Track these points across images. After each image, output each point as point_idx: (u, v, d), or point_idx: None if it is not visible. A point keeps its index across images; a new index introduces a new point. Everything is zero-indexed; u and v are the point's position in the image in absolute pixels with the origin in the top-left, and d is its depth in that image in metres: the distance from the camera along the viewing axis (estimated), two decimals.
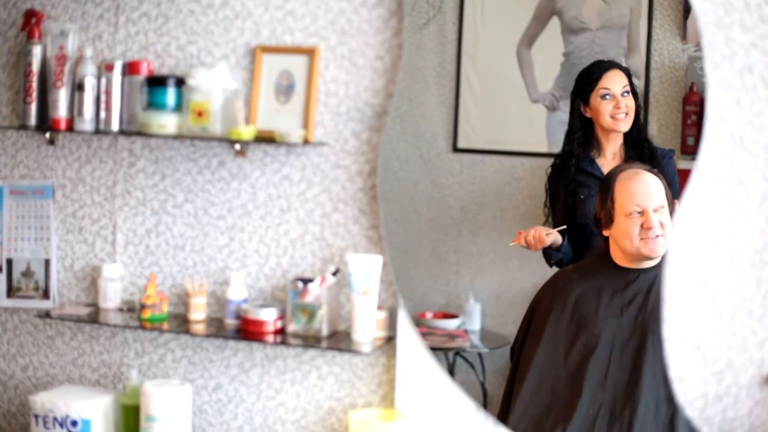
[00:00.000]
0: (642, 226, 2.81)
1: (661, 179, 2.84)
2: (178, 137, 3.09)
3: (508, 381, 3.02)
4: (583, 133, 3.05)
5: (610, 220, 2.87)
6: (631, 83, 2.99)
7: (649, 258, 2.84)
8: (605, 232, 2.89)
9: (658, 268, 2.83)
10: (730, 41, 2.66)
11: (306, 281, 3.02)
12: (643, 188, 2.83)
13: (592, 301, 2.90)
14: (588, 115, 3.03)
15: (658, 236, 2.81)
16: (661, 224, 2.80)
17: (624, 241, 2.85)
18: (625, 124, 3.00)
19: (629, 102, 2.99)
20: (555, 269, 3.08)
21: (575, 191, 3.03)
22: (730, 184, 2.68)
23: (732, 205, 2.69)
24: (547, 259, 3.08)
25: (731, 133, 2.68)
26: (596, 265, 2.96)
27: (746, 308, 2.69)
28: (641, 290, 2.86)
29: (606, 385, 2.81)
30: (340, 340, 3.02)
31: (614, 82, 2.99)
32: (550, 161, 3.13)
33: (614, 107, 2.98)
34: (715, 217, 2.70)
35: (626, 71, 3.00)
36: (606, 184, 2.90)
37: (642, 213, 2.81)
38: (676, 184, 2.90)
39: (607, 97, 2.99)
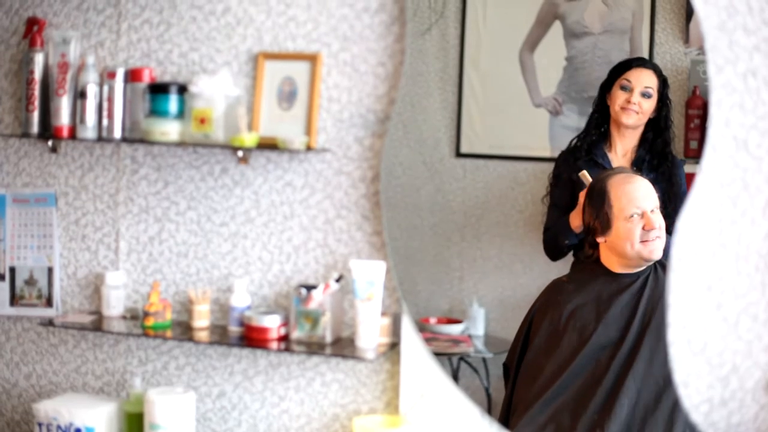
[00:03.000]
0: (644, 228, 2.82)
1: (651, 182, 2.86)
2: (180, 144, 3.09)
3: (507, 391, 3.01)
4: (598, 121, 3.04)
5: (607, 226, 2.86)
6: (663, 91, 2.97)
7: (650, 261, 2.85)
8: (599, 239, 2.89)
9: (650, 268, 2.85)
10: (733, 45, 2.65)
11: (309, 288, 3.02)
12: (640, 190, 2.84)
13: (591, 310, 2.89)
14: (608, 102, 3.03)
15: (656, 238, 2.81)
16: (659, 225, 2.81)
17: (624, 245, 2.84)
18: (630, 119, 2.99)
19: (646, 103, 2.97)
20: (560, 272, 3.07)
21: (583, 182, 3.02)
22: (735, 188, 2.68)
23: (736, 210, 2.68)
24: (562, 239, 3.05)
25: (735, 137, 2.67)
26: (590, 273, 2.95)
27: (751, 312, 2.69)
28: (637, 293, 2.86)
29: (609, 390, 2.81)
30: (343, 346, 3.01)
31: (639, 78, 2.97)
32: (552, 166, 3.12)
33: (626, 100, 2.98)
34: (719, 222, 2.69)
35: (661, 78, 2.98)
36: (598, 190, 2.89)
37: (642, 215, 2.82)
38: (684, 194, 2.89)
39: (626, 89, 2.98)
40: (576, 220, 3.00)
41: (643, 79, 2.97)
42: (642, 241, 2.82)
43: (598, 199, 2.87)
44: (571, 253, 3.09)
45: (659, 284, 2.82)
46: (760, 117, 2.65)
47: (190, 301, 3.18)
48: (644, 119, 2.99)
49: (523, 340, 3.00)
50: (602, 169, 3.00)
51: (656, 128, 3.00)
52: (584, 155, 3.04)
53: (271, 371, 3.20)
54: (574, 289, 2.95)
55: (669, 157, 2.99)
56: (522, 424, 2.88)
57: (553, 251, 3.11)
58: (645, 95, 2.97)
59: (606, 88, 3.02)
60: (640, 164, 3.01)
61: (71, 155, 3.38)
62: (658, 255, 2.83)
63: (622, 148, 3.03)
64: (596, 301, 2.89)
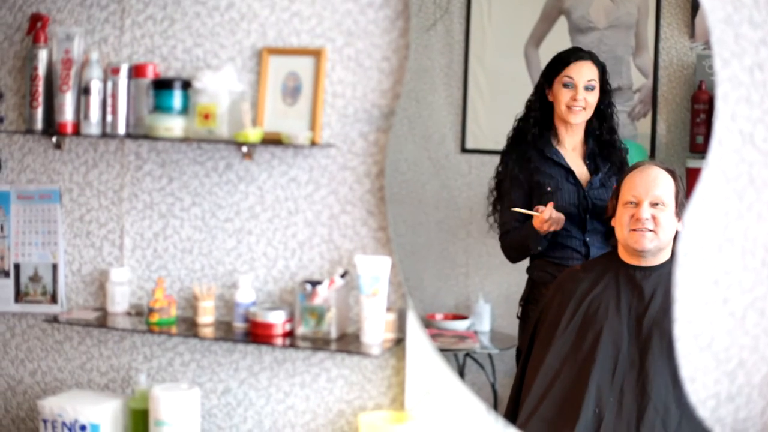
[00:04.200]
0: (632, 216, 2.82)
1: (676, 180, 2.83)
2: (184, 140, 3.08)
3: (515, 382, 3.01)
4: (540, 114, 3.03)
5: (614, 212, 2.89)
6: (603, 79, 2.98)
7: (635, 251, 2.84)
8: (612, 222, 2.91)
9: (668, 266, 2.82)
10: (739, 38, 2.64)
11: (314, 284, 3.01)
12: (644, 180, 2.84)
13: (601, 300, 2.89)
14: (550, 99, 3.02)
15: (646, 230, 2.81)
16: (655, 219, 2.81)
17: (618, 230, 2.88)
18: (579, 117, 3.00)
19: (590, 96, 2.98)
20: (559, 268, 3.07)
21: (540, 182, 3.01)
22: (741, 182, 2.67)
23: (742, 204, 2.67)
24: (533, 246, 3.04)
25: (741, 131, 2.66)
26: (605, 264, 2.95)
27: (758, 307, 2.68)
28: (650, 288, 2.85)
29: (613, 385, 2.81)
30: (349, 342, 3.01)
31: (581, 72, 2.98)
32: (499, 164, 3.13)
33: (571, 98, 2.97)
34: (725, 216, 2.68)
35: (600, 66, 2.99)
36: (621, 177, 2.91)
37: (636, 204, 2.82)
38: None
39: (569, 86, 2.98)
40: (540, 224, 2.99)
41: (584, 73, 2.98)
42: (631, 230, 2.83)
43: (617, 186, 2.91)
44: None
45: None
46: (767, 111, 2.64)
47: (194, 298, 3.18)
48: (591, 113, 2.99)
49: (534, 326, 3.00)
50: (558, 166, 3.00)
51: (600, 117, 3.01)
52: (536, 154, 3.03)
53: (276, 367, 3.20)
54: (585, 278, 2.95)
55: (617, 145, 3.00)
56: (528, 416, 2.88)
57: (518, 256, 3.10)
58: (588, 89, 2.98)
59: (546, 82, 3.01)
60: (593, 158, 3.02)
61: (75, 151, 3.38)
62: (643, 246, 2.84)
63: (570, 143, 3.03)
64: (606, 292, 2.90)
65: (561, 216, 2.96)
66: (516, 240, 3.08)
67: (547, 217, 2.95)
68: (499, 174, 3.11)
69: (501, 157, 3.11)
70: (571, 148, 3.03)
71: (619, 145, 3.01)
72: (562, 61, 3.00)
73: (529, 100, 3.06)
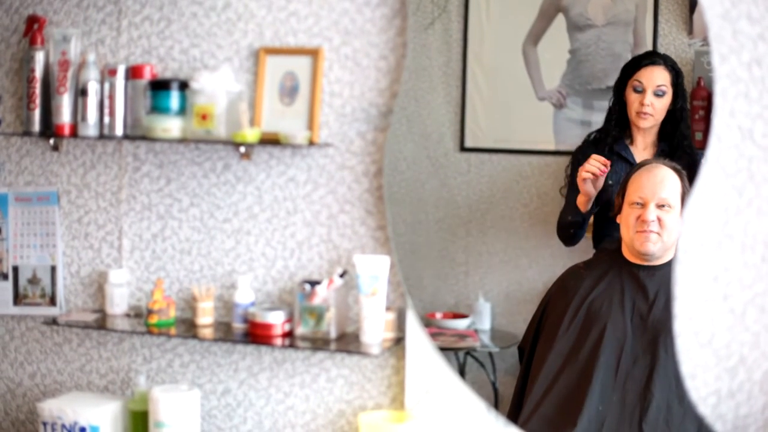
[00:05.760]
0: (638, 218, 2.81)
1: (682, 180, 2.82)
2: (182, 141, 3.08)
3: (519, 381, 3.01)
4: (619, 116, 3.02)
5: (620, 209, 2.89)
6: (676, 84, 2.95)
7: (640, 252, 2.84)
8: (618, 219, 2.91)
9: (671, 265, 2.81)
10: (737, 34, 2.64)
11: (313, 283, 3.01)
12: (651, 181, 2.83)
13: (604, 299, 2.89)
14: (625, 100, 3.00)
15: (651, 232, 2.81)
16: (660, 221, 2.81)
17: (624, 230, 2.88)
18: (647, 123, 2.98)
19: (660, 102, 2.95)
20: (565, 265, 3.06)
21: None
22: (740, 178, 2.66)
23: (742, 200, 2.66)
24: (564, 215, 3.06)
25: (740, 127, 2.65)
26: (608, 262, 2.95)
27: (758, 303, 2.67)
28: (654, 287, 2.85)
29: (616, 383, 2.80)
30: (348, 342, 3.00)
31: (651, 77, 2.95)
32: (557, 159, 3.11)
33: (640, 103, 2.96)
34: (725, 212, 2.67)
35: (674, 71, 2.95)
36: (628, 173, 2.91)
37: (643, 205, 2.81)
38: None
39: (639, 90, 2.96)
40: (582, 200, 2.99)
41: (655, 78, 2.95)
42: (637, 231, 2.83)
43: (623, 182, 2.90)
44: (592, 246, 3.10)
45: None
46: (765, 106, 2.64)
47: (193, 298, 3.18)
48: (660, 117, 2.97)
49: (537, 324, 3.00)
50: (626, 163, 2.99)
51: (673, 120, 2.98)
52: (607, 150, 3.02)
53: (275, 368, 3.19)
54: (587, 276, 2.95)
55: (687, 150, 2.97)
56: (530, 415, 2.88)
57: (561, 233, 3.09)
58: (658, 94, 2.95)
59: (620, 87, 3.00)
60: (662, 158, 3.00)
61: (73, 153, 3.37)
62: (647, 249, 2.84)
63: (643, 142, 3.02)
64: (608, 290, 2.90)
65: (601, 170, 2.96)
66: (561, 214, 3.08)
67: (596, 160, 2.95)
68: (570, 168, 3.10)
69: (574, 154, 3.10)
70: (642, 147, 3.02)
71: (690, 151, 2.96)
72: (634, 65, 2.98)
73: (609, 102, 3.04)
